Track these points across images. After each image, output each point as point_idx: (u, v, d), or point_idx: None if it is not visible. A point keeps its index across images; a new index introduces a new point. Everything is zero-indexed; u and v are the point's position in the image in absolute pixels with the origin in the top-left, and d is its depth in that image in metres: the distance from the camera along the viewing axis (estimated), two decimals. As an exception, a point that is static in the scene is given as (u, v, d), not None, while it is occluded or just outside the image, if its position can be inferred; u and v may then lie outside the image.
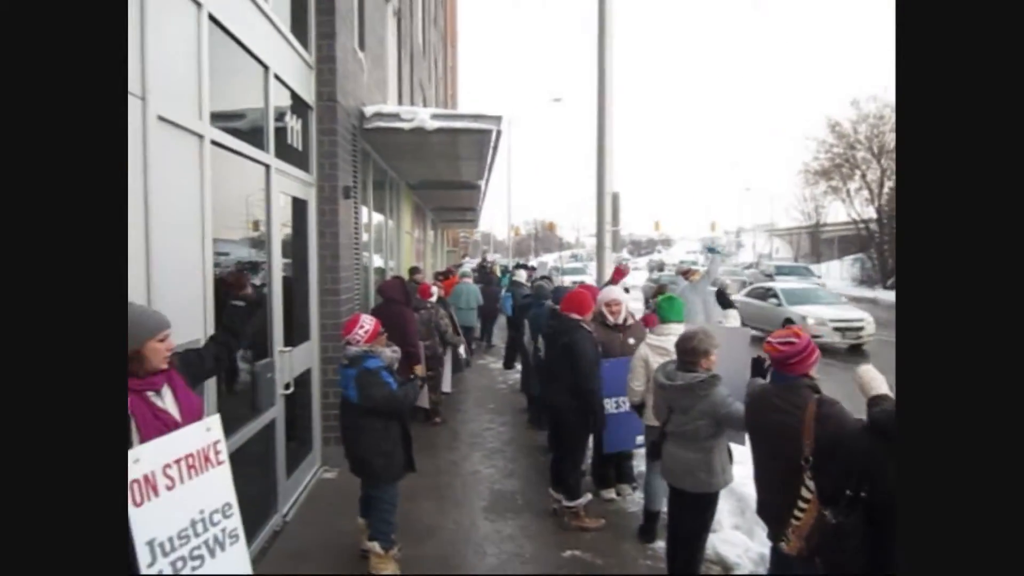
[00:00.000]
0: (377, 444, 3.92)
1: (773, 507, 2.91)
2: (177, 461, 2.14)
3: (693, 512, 3.63)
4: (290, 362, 4.89)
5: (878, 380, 2.68)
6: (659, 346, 4.34)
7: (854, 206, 34.86)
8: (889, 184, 33.16)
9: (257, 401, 4.27)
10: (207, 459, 2.27)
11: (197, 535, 2.18)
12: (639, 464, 5.46)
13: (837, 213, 38.11)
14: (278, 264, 4.72)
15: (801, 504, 2.68)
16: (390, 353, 4.04)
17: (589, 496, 4.82)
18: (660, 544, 4.47)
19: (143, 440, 2.10)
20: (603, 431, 4.80)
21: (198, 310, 3.37)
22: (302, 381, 5.27)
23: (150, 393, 2.24)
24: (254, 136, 4.36)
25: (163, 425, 2.20)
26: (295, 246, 5.37)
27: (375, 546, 4.00)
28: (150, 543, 2.00)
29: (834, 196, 36.55)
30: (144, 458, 2.02)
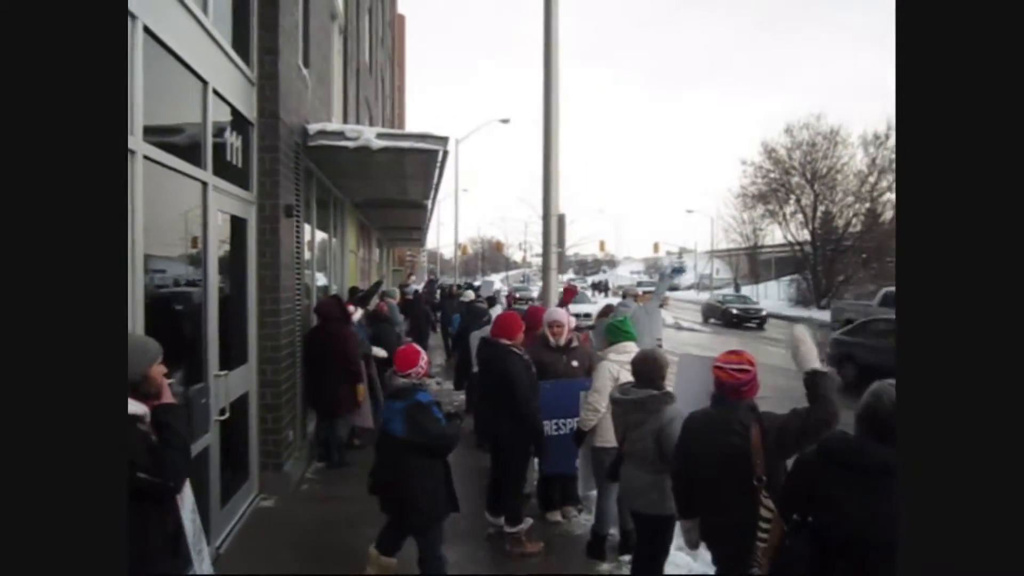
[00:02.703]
0: (422, 482, 3.68)
1: (725, 530, 2.92)
2: None
3: (648, 534, 3.66)
4: (226, 386, 4.71)
5: (813, 351, 2.83)
6: (625, 362, 4.33)
7: (790, 229, 36.23)
8: (821, 208, 34.60)
9: (191, 427, 4.08)
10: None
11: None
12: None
13: (774, 235, 39.49)
14: (214, 285, 4.55)
15: (763, 525, 2.71)
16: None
17: (530, 521, 4.79)
18: (606, 567, 4.47)
19: None
20: (540, 448, 4.77)
21: (129, 329, 3.21)
22: (238, 406, 5.08)
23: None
24: (191, 152, 4.21)
25: None
26: (233, 265, 5.20)
27: None
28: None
29: (771, 219, 37.90)
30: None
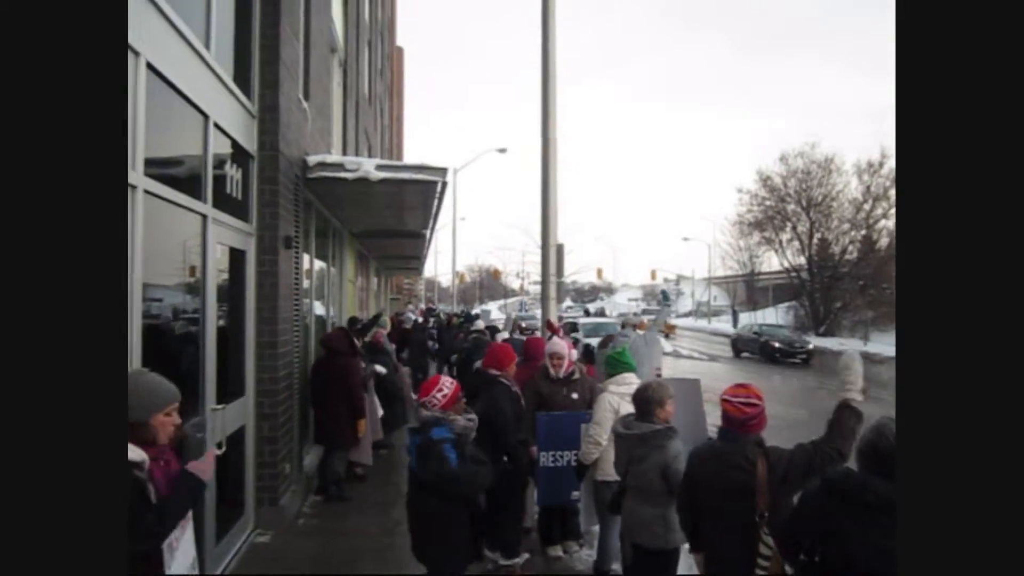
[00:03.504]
0: (434, 526, 3.43)
1: (727, 565, 2.89)
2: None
3: (652, 569, 3.59)
4: (222, 420, 4.66)
5: (858, 382, 2.80)
6: (626, 393, 4.30)
7: (786, 256, 36.39)
8: (817, 235, 34.79)
9: (185, 462, 4.01)
10: (184, 519, 2.47)
11: None
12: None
13: (771, 262, 39.64)
14: (213, 316, 4.53)
15: (762, 562, 2.67)
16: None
17: (527, 555, 4.70)
18: (608, 604, 4.38)
19: (161, 498, 2.27)
20: (529, 479, 4.69)
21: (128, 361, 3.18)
22: (235, 439, 5.02)
23: (163, 461, 2.43)
24: (191, 185, 4.22)
25: (172, 483, 2.38)
26: (231, 297, 5.18)
27: None
28: None
29: (768, 246, 38.08)
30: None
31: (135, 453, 2.19)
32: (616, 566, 4.59)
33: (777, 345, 23.41)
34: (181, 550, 2.41)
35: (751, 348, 24.84)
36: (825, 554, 2.41)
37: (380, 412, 7.25)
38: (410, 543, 3.64)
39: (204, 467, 2.52)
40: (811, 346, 23.83)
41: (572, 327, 17.12)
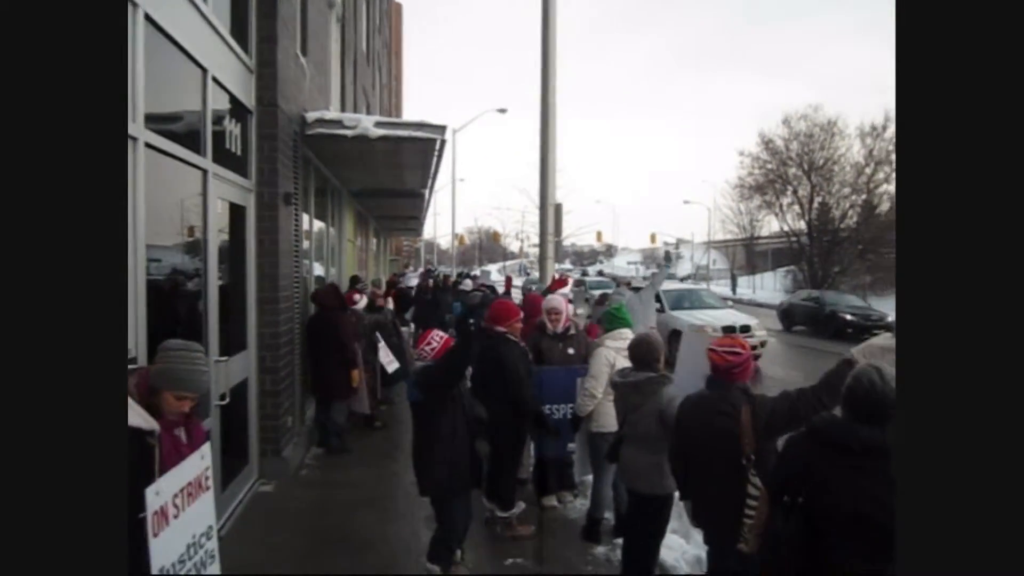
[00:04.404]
0: (440, 451, 3.75)
1: (715, 509, 3.01)
2: (182, 490, 2.22)
3: (647, 515, 3.73)
4: (226, 372, 4.76)
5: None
6: (621, 348, 4.40)
7: (786, 220, 36.24)
8: (818, 199, 34.63)
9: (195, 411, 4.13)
10: (200, 485, 2.34)
11: (190, 558, 2.25)
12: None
13: (771, 226, 39.52)
14: (214, 271, 4.59)
15: (750, 503, 2.78)
16: None
17: (522, 506, 4.85)
18: (601, 549, 4.54)
19: (163, 470, 2.17)
20: (548, 429, 4.81)
21: (130, 319, 3.25)
22: (238, 392, 5.13)
23: (177, 430, 2.42)
24: (191, 140, 4.24)
25: (180, 457, 2.30)
26: (232, 253, 5.24)
27: (435, 568, 3.86)
28: (160, 571, 2.07)
29: (768, 210, 37.90)
30: (162, 491, 2.10)
31: (147, 421, 2.15)
32: (608, 514, 4.75)
33: (849, 318, 18.01)
34: (181, 523, 2.18)
35: (808, 320, 19.33)
36: (809, 497, 2.51)
37: (395, 366, 7.32)
38: (416, 487, 3.93)
39: None
40: (890, 318, 17.44)
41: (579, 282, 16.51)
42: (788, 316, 20.61)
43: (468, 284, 11.56)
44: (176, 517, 2.15)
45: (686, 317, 13.30)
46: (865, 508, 2.22)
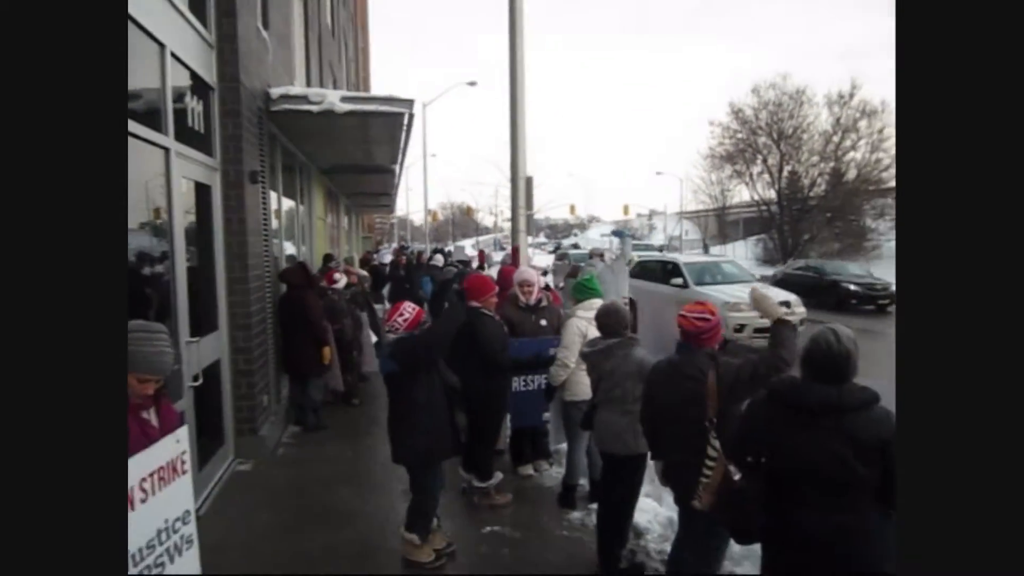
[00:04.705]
0: (417, 419, 3.80)
1: (680, 469, 3.11)
2: (151, 474, 2.16)
3: (624, 475, 3.83)
4: (197, 353, 4.73)
5: (775, 304, 3.09)
6: (592, 318, 4.46)
7: (757, 189, 36.63)
8: (787, 168, 35.02)
9: (166, 393, 4.11)
10: (174, 469, 2.29)
11: (161, 543, 2.21)
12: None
13: (742, 196, 39.89)
14: (181, 251, 4.54)
15: (708, 463, 2.88)
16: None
17: (500, 476, 4.94)
18: (576, 514, 4.65)
19: (128, 454, 2.09)
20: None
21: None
22: (211, 373, 5.10)
23: (144, 411, 2.35)
24: (151, 118, 4.16)
25: (148, 440, 2.23)
26: (200, 232, 5.17)
27: (414, 537, 3.93)
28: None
29: (738, 180, 38.24)
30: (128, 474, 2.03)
31: None
32: (583, 481, 4.86)
33: (853, 288, 16.83)
34: (150, 508, 2.13)
35: (806, 292, 15.53)
36: (770, 456, 2.60)
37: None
38: (390, 455, 3.99)
39: None
40: (892, 287, 16.37)
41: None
42: (782, 287, 16.21)
43: (439, 260, 11.55)
44: (144, 502, 2.10)
45: (715, 293, 11.49)
46: (822, 464, 2.32)
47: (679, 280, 12.56)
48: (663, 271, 13.42)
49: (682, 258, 14.44)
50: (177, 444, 2.33)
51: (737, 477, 2.77)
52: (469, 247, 41.34)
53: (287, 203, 8.40)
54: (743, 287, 11.70)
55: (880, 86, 42.20)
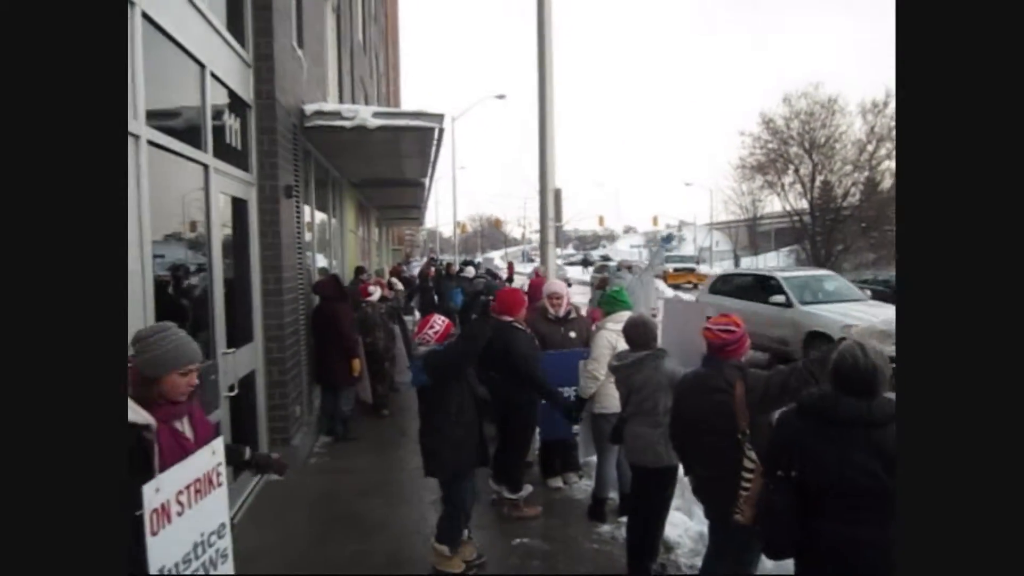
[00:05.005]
0: (451, 431, 3.84)
1: (712, 484, 3.09)
2: (188, 487, 2.12)
3: (655, 488, 3.82)
4: (233, 364, 4.84)
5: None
6: (621, 331, 4.47)
7: (788, 199, 36.12)
8: (820, 178, 34.51)
9: (201, 404, 4.21)
10: (210, 482, 2.25)
11: (197, 558, 2.16)
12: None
13: (773, 206, 39.39)
14: (219, 264, 4.66)
15: (746, 475, 2.86)
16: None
17: (530, 488, 4.95)
18: (606, 528, 4.63)
19: (164, 466, 2.07)
20: (562, 408, 4.83)
21: (138, 316, 3.33)
22: (246, 383, 5.22)
23: (177, 421, 2.29)
24: (191, 135, 4.29)
25: (183, 452, 2.20)
26: (236, 246, 5.30)
27: (444, 548, 3.95)
28: (160, 571, 1.97)
29: (770, 190, 37.75)
30: (163, 488, 1.99)
31: (140, 416, 2.06)
32: (612, 494, 4.84)
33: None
34: (186, 521, 2.08)
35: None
36: (800, 470, 2.58)
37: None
38: (422, 468, 4.02)
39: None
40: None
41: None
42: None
43: (470, 272, 11.65)
44: (180, 515, 2.04)
45: (828, 314, 9.77)
46: (851, 476, 2.30)
47: (780, 298, 10.57)
48: (758, 287, 11.44)
49: (781, 272, 11.96)
50: (212, 456, 2.28)
51: (770, 487, 2.75)
52: (498, 258, 41.55)
53: (319, 216, 8.56)
54: (857, 306, 10.17)
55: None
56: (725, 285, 12.47)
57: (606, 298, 4.94)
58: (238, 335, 5.11)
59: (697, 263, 33.67)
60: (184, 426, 2.33)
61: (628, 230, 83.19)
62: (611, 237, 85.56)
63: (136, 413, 2.04)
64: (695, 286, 20.71)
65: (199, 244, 4.51)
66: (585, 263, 36.92)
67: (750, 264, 40.01)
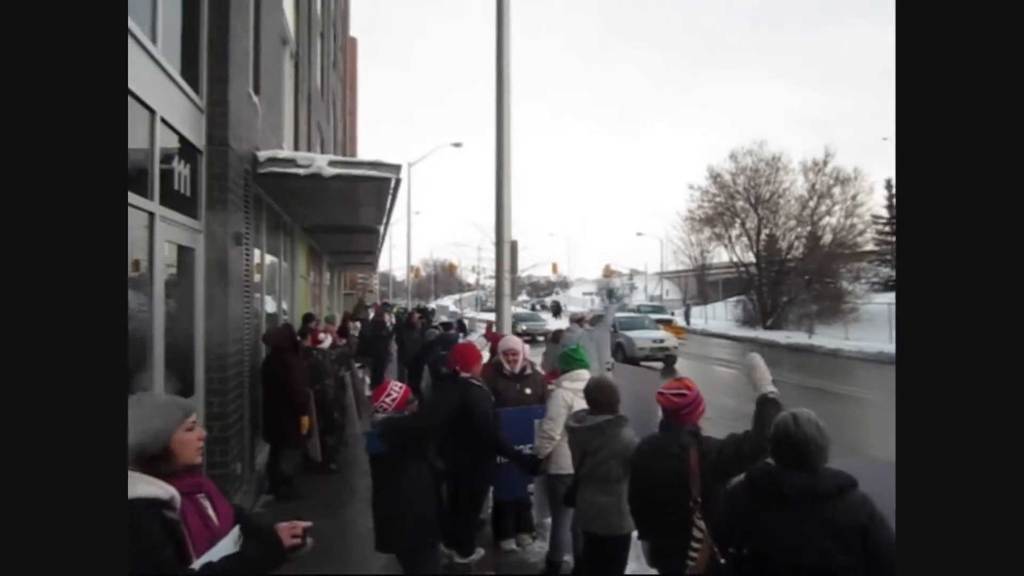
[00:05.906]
0: (409, 501, 3.63)
1: (669, 552, 3.01)
2: None
3: (608, 556, 3.71)
4: (172, 420, 4.57)
5: (766, 376, 3.01)
6: (579, 389, 4.38)
7: (735, 251, 37.25)
8: (765, 231, 35.75)
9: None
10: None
11: None
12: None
13: (721, 257, 40.51)
14: (161, 315, 4.44)
15: (694, 544, 2.79)
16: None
17: (482, 552, 4.77)
18: (560, 595, 4.48)
19: (195, 549, 1.86)
20: (525, 467, 4.71)
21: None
22: (185, 440, 4.93)
23: (200, 496, 2.03)
24: (137, 183, 4.13)
25: (211, 534, 1.98)
26: (180, 295, 5.08)
27: None
28: None
29: (718, 242, 38.90)
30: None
31: (161, 489, 1.81)
32: (568, 557, 4.70)
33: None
34: None
35: None
36: (753, 548, 2.52)
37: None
38: (374, 540, 3.83)
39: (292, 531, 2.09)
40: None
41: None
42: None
43: (437, 320, 11.42)
44: None
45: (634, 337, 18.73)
46: (801, 553, 2.25)
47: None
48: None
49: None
50: (235, 544, 2.01)
51: (722, 562, 2.69)
52: (452, 304, 41.32)
53: (270, 259, 8.35)
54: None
55: (850, 155, 43.57)
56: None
57: (563, 356, 4.88)
58: (180, 390, 4.85)
59: (672, 313, 33.86)
60: (206, 501, 2.06)
61: (579, 280, 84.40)
62: (564, 284, 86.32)
63: (155, 486, 1.79)
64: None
65: (141, 284, 4.29)
66: (533, 310, 37.04)
67: (699, 313, 40.83)
